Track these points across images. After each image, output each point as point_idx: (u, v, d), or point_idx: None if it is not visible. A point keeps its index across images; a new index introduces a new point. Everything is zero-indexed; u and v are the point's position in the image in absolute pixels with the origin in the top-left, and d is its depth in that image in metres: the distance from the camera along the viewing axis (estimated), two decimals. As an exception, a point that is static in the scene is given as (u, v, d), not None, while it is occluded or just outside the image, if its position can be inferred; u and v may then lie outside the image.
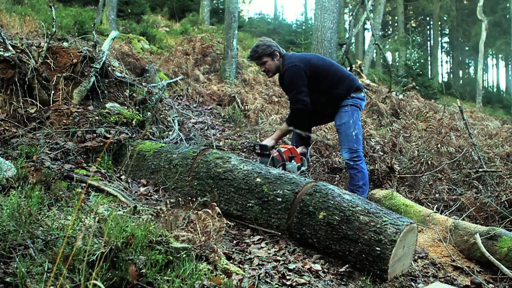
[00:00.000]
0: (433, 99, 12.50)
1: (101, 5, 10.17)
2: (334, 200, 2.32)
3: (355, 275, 2.17)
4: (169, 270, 1.58)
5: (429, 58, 29.55)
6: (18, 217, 1.59)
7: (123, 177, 3.07)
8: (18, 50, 3.59)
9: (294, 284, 1.94)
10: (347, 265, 2.21)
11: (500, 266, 2.48)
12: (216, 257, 1.86)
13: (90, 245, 1.47)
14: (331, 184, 2.53)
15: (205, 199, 2.23)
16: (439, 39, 31.13)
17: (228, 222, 2.30)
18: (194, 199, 2.24)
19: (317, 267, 2.17)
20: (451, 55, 35.82)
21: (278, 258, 2.21)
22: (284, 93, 4.19)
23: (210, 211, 2.12)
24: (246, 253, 2.23)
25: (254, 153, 3.58)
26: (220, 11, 17.89)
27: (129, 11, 13.32)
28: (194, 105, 6.99)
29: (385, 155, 4.29)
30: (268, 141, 3.28)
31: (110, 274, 1.41)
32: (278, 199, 2.45)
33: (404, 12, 26.43)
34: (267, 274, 1.98)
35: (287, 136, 4.26)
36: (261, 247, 2.35)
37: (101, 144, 3.17)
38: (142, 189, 2.96)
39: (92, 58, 3.89)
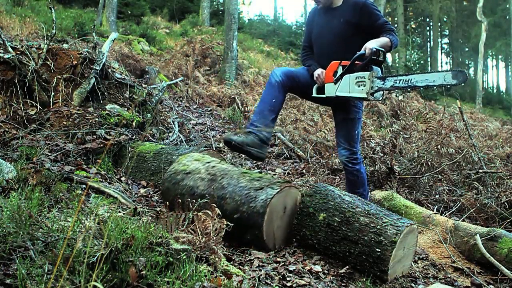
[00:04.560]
0: (433, 100, 12.51)
1: (101, 7, 10.19)
2: (334, 201, 2.32)
3: (355, 276, 2.17)
4: (169, 271, 1.58)
5: (429, 59, 29.57)
6: (18, 219, 1.59)
7: (123, 178, 3.07)
8: (18, 52, 3.60)
9: (294, 285, 1.94)
10: (347, 267, 2.21)
11: (501, 267, 2.48)
12: (216, 259, 1.86)
13: (90, 247, 1.47)
14: (331, 185, 2.53)
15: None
16: (439, 40, 31.18)
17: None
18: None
19: (317, 268, 2.17)
20: (451, 56, 35.88)
21: (278, 259, 2.21)
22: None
23: (210, 212, 2.12)
24: (246, 255, 2.23)
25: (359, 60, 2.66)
26: (220, 12, 17.93)
27: (129, 12, 13.34)
28: (194, 107, 7.00)
29: (385, 156, 4.28)
30: (372, 43, 2.68)
31: (110, 275, 1.41)
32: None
33: (404, 13, 26.47)
34: (267, 276, 1.98)
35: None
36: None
37: (101, 145, 3.17)
38: (142, 190, 2.96)
39: (92, 60, 3.89)
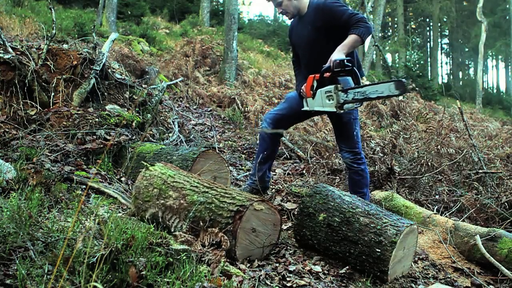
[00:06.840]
0: (433, 100, 12.53)
1: (101, 7, 10.19)
2: (334, 201, 2.32)
3: (355, 277, 2.17)
4: (169, 272, 1.58)
5: (429, 60, 29.58)
6: (18, 219, 1.59)
7: (123, 179, 3.07)
8: (18, 52, 3.60)
9: (294, 285, 1.94)
10: (347, 267, 2.21)
11: (501, 268, 2.48)
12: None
13: (90, 247, 1.48)
14: (331, 186, 2.53)
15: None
16: (439, 40, 31.19)
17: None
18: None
19: (317, 268, 2.17)
20: (451, 56, 35.92)
21: (279, 259, 2.21)
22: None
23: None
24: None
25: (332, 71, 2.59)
26: (220, 12, 17.93)
27: (129, 13, 13.35)
28: (194, 107, 7.00)
29: (385, 156, 4.28)
30: (340, 53, 2.59)
31: (110, 276, 1.41)
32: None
33: (404, 14, 26.47)
34: (267, 276, 1.98)
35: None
36: (261, 249, 2.34)
37: (101, 146, 3.17)
38: (142, 191, 2.95)
39: (92, 60, 3.89)
